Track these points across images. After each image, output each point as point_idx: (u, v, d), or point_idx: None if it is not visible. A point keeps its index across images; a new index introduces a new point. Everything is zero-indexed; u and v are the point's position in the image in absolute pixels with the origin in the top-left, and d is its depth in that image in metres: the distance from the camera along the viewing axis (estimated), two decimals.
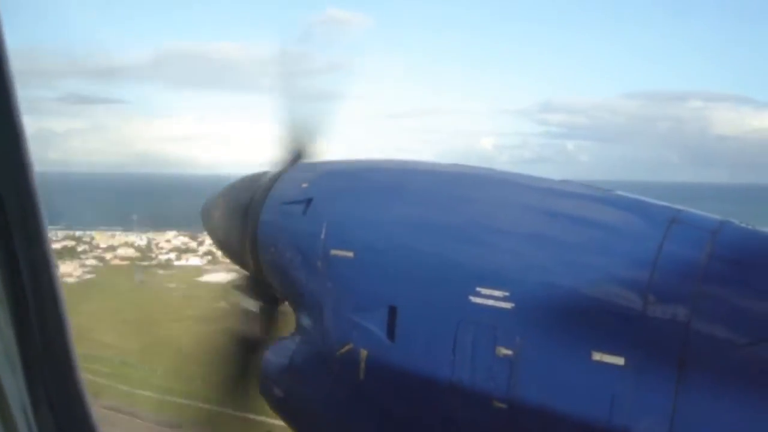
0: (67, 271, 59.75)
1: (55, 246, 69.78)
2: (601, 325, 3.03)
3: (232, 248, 4.69)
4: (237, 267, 4.77)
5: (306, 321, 4.12)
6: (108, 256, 66.48)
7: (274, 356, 4.37)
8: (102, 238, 75.61)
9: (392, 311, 3.53)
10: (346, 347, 3.69)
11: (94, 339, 40.49)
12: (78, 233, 77.59)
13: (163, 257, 67.87)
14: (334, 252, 3.78)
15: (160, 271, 62.67)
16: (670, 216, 3.17)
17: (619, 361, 2.92)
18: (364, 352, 3.62)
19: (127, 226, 75.47)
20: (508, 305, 3.17)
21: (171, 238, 74.11)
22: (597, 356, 2.96)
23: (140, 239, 71.41)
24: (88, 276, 58.22)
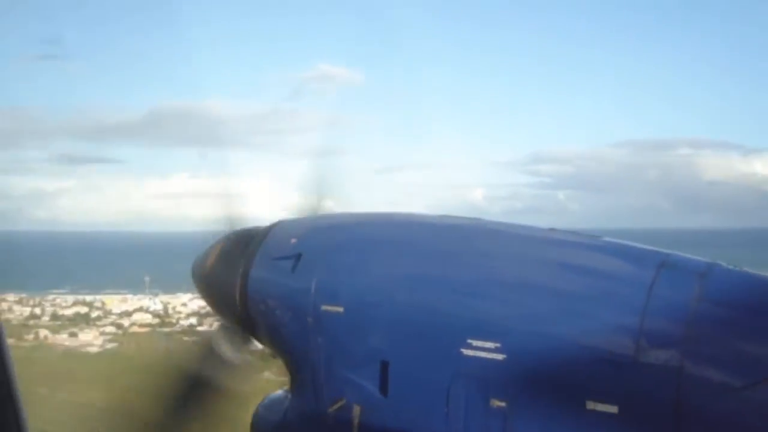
0: (87, 339, 58.53)
1: (67, 312, 68.69)
2: (593, 373, 3.08)
3: (220, 302, 4.68)
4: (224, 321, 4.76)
5: (298, 377, 4.14)
6: (125, 322, 65.30)
7: (266, 413, 4.43)
8: (113, 303, 74.33)
9: (384, 366, 3.57)
10: (339, 403, 3.72)
11: None
12: (88, 298, 76.36)
13: (183, 322, 66.82)
14: (324, 308, 3.81)
15: (185, 338, 61.53)
16: (659, 260, 3.24)
17: (613, 409, 2.95)
18: (357, 408, 3.65)
19: (134, 288, 74.39)
20: (500, 356, 3.21)
21: (186, 302, 73.15)
22: (591, 405, 2.99)
23: (154, 303, 70.27)
24: (110, 345, 57.03)
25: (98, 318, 69.29)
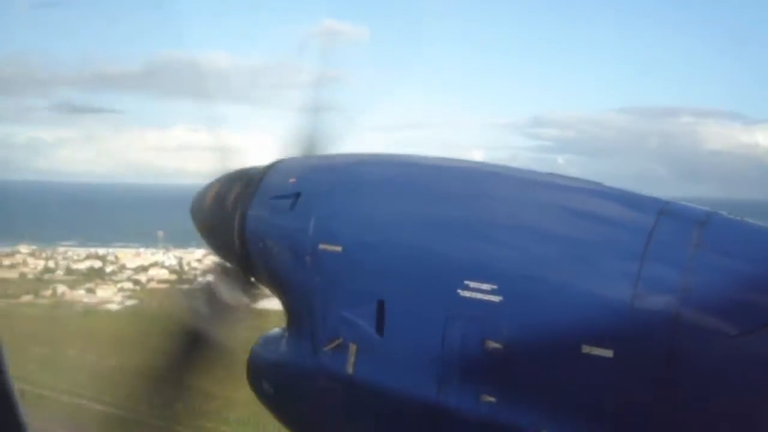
0: (107, 296, 58.21)
1: (80, 266, 68.34)
2: (590, 317, 3.04)
3: (219, 242, 4.64)
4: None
5: (295, 316, 4.15)
6: (142, 278, 64.89)
7: (263, 350, 4.41)
8: (126, 257, 73.85)
9: (381, 306, 3.54)
10: (336, 342, 3.70)
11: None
12: (100, 251, 75.83)
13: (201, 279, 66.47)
14: (322, 247, 3.78)
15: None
16: (658, 207, 3.20)
17: (608, 353, 2.93)
18: (353, 347, 3.64)
19: (143, 242, 73.82)
20: (496, 298, 3.19)
21: (201, 258, 72.70)
22: (586, 349, 2.97)
23: (168, 258, 69.83)
24: (130, 302, 56.83)
25: (113, 273, 68.97)
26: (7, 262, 75.33)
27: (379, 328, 3.56)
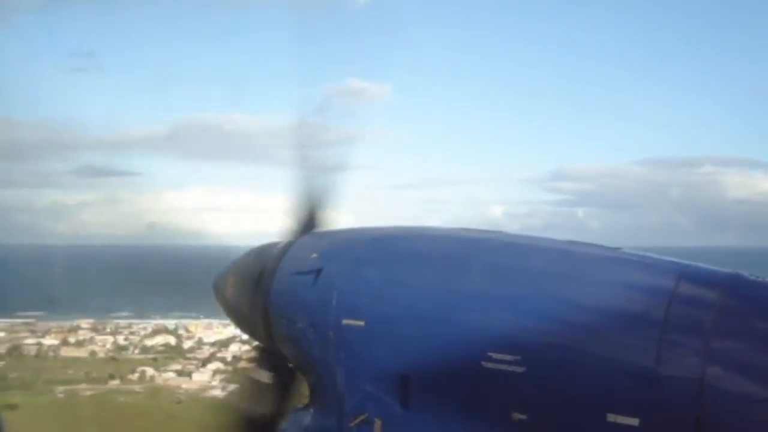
0: (204, 380, 53.52)
1: (152, 342, 64.09)
2: (614, 385, 2.99)
3: (244, 320, 4.71)
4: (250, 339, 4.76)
5: (320, 392, 4.14)
6: (226, 355, 60.40)
7: (289, 428, 4.38)
8: (198, 330, 69.67)
9: (405, 380, 3.54)
10: (360, 417, 3.70)
11: None
12: (168, 324, 71.57)
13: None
14: (345, 321, 3.77)
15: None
16: (678, 271, 3.17)
17: (634, 422, 2.90)
18: (378, 422, 3.64)
19: (196, 310, 69.77)
20: (520, 369, 3.16)
21: None
22: (611, 417, 2.94)
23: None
24: (232, 386, 52.13)
25: (191, 349, 64.55)
26: (71, 339, 70.80)
27: (404, 402, 3.55)
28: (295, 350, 4.28)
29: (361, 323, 3.73)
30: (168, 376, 56.17)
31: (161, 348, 65.35)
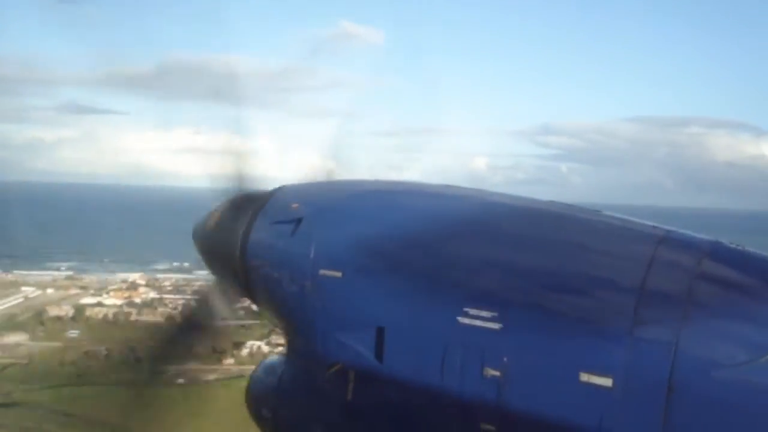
0: None
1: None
2: (589, 346, 3.03)
3: (222, 268, 4.68)
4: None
5: (295, 341, 4.21)
6: None
7: (262, 376, 4.48)
8: None
9: (380, 332, 3.53)
10: (335, 367, 3.71)
11: None
12: None
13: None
14: (322, 272, 3.79)
15: None
16: (659, 236, 3.21)
17: (607, 382, 2.92)
18: (352, 373, 3.64)
19: None
20: (495, 326, 3.18)
21: None
22: (585, 377, 2.95)
23: None
24: None
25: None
26: (136, 299, 66.79)
27: (378, 354, 3.52)
28: (271, 299, 4.26)
29: (339, 274, 3.73)
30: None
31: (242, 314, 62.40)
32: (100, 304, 64.06)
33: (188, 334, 4.69)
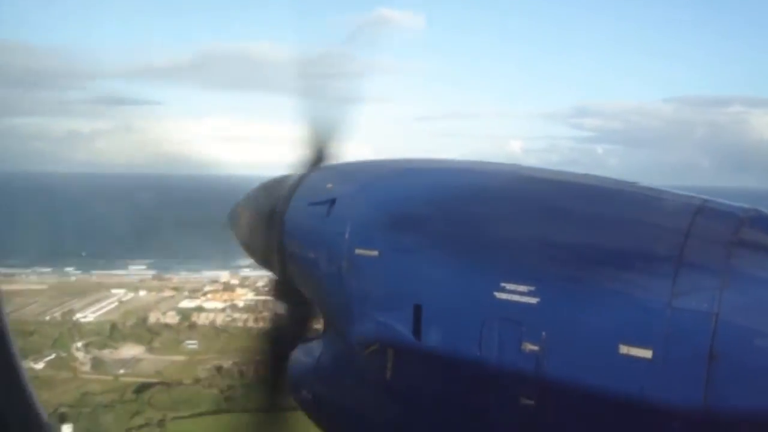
0: None
1: None
2: (627, 317, 2.96)
3: (258, 250, 4.71)
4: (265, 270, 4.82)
5: (332, 321, 4.17)
6: None
7: (301, 358, 4.41)
8: None
9: (418, 309, 3.48)
10: (373, 347, 3.64)
11: None
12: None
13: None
14: (358, 251, 3.76)
15: None
16: (696, 205, 3.16)
17: (647, 354, 2.87)
18: (390, 351, 3.59)
19: None
20: (533, 300, 3.13)
21: None
22: (624, 349, 2.91)
23: None
24: None
25: None
26: (237, 301, 64.81)
27: (416, 332, 3.48)
28: (309, 281, 4.25)
29: (375, 253, 3.67)
30: None
31: None
32: (201, 309, 62.07)
33: (288, 345, 4.56)
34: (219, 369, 48.37)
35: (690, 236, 2.95)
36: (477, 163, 4.12)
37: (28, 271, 72.73)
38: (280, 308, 4.45)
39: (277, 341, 4.51)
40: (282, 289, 4.45)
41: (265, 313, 4.62)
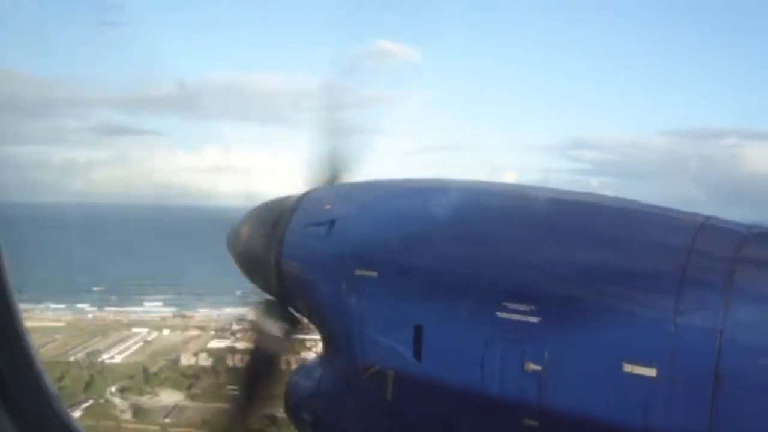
0: None
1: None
2: (631, 336, 2.94)
3: (256, 271, 4.64)
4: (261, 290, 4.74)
5: (332, 343, 4.13)
6: None
7: (301, 380, 4.40)
8: None
9: (418, 330, 3.45)
10: (373, 368, 3.61)
11: None
12: None
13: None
14: (358, 272, 3.72)
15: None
16: (698, 223, 3.17)
17: (651, 372, 2.84)
18: (391, 373, 3.56)
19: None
20: (535, 319, 3.10)
21: None
22: (628, 368, 2.87)
23: None
24: None
25: None
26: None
27: (417, 352, 3.44)
28: (307, 301, 4.24)
29: (374, 274, 3.65)
30: None
31: None
32: (235, 350, 60.23)
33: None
34: (273, 419, 46.92)
35: (693, 253, 2.96)
36: (477, 182, 4.12)
37: (42, 306, 70.08)
38: (273, 327, 4.41)
39: (261, 361, 4.54)
40: (276, 309, 4.45)
41: (252, 333, 4.62)
